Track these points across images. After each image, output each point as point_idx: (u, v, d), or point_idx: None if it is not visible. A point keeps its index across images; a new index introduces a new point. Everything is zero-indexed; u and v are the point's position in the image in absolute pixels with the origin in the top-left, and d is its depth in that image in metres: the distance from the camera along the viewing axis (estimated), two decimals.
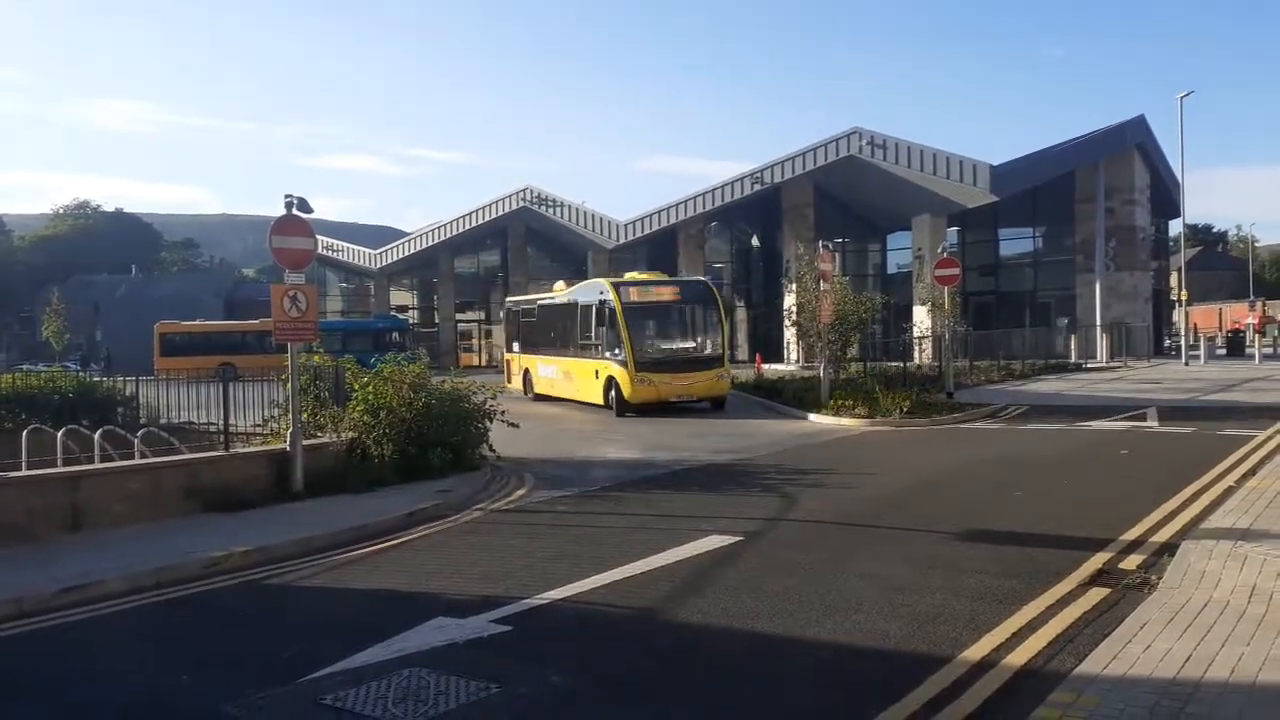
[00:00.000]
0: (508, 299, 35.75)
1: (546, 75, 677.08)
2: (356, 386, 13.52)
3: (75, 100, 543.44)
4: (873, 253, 46.97)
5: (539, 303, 28.99)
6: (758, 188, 41.85)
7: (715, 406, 22.71)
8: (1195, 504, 10.12)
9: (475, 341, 58.35)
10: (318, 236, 13.02)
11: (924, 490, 11.78)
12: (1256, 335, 42.21)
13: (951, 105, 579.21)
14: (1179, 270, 44.26)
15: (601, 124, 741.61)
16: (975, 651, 5.91)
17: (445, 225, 52.93)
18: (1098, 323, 37.92)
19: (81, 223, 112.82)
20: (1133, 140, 39.72)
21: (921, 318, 35.43)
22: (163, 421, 16.76)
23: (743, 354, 42.51)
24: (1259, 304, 53.99)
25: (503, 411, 14.25)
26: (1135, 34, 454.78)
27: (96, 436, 14.13)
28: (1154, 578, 7.28)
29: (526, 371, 28.45)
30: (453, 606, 7.18)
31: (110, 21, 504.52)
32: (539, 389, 27.35)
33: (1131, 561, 7.92)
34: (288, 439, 11.91)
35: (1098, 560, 7.94)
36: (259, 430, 14.18)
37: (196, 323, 50.42)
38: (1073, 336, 37.22)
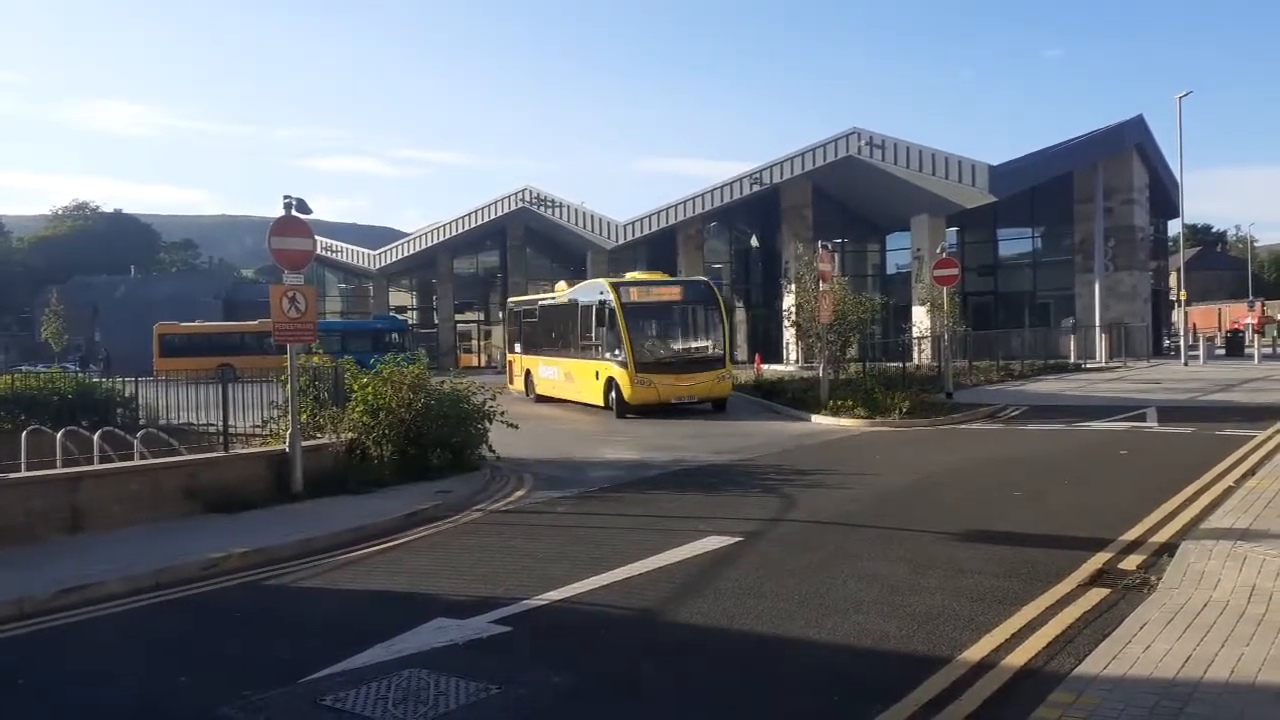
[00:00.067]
0: (509, 299, 35.72)
1: (546, 75, 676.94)
2: (356, 387, 13.52)
3: (74, 102, 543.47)
4: (872, 253, 46.96)
5: (540, 303, 28.89)
6: (757, 188, 41.85)
7: (717, 408, 22.59)
8: (1195, 504, 10.12)
9: (474, 342, 58.33)
10: (317, 237, 13.03)
11: (923, 491, 11.78)
12: (1256, 335, 42.25)
13: (950, 105, 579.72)
14: (1178, 270, 44.25)
15: (601, 124, 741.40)
16: (975, 652, 5.91)
17: (444, 226, 52.93)
18: (1097, 323, 37.92)
19: (80, 224, 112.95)
20: (1131, 140, 39.73)
21: (920, 318, 35.44)
22: (162, 422, 16.79)
23: (742, 354, 42.49)
24: (1258, 304, 53.99)
25: (502, 412, 14.25)
26: (1134, 34, 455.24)
27: (96, 437, 14.15)
28: (1153, 578, 7.29)
29: (528, 373, 28.38)
30: (452, 607, 7.19)
31: (109, 23, 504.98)
32: (540, 390, 27.29)
33: (1131, 562, 7.93)
34: (287, 440, 11.91)
35: (1097, 561, 7.94)
36: (258, 431, 14.18)
37: (195, 324, 50.36)
38: (1072, 337, 37.22)
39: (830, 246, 24.87)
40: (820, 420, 20.18)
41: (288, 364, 12.28)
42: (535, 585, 7.72)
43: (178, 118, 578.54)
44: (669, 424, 20.38)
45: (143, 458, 12.80)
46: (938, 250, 28.69)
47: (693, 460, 15.00)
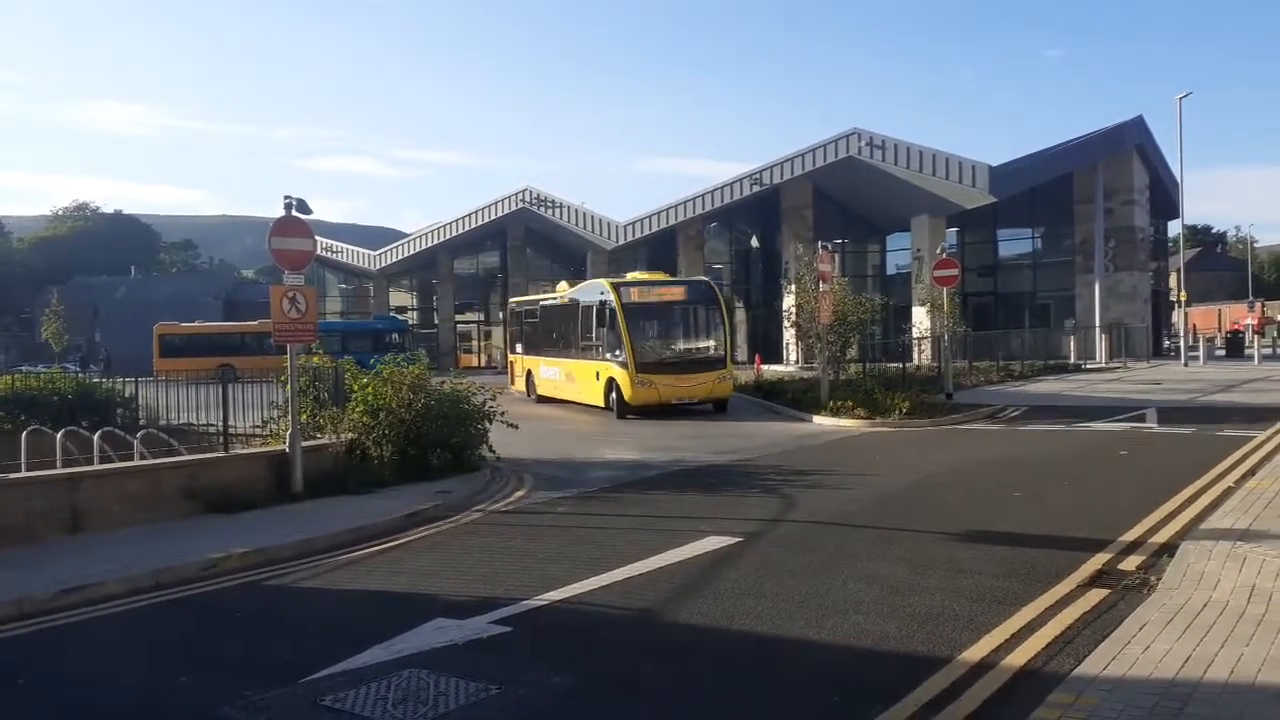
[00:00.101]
0: (510, 300, 35.70)
1: (546, 75, 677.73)
2: (356, 388, 13.52)
3: (74, 102, 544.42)
4: (872, 254, 46.96)
5: (541, 304, 28.85)
6: (757, 188, 41.86)
7: (718, 409, 22.53)
8: (1194, 505, 10.12)
9: (475, 342, 58.33)
10: (317, 238, 13.04)
11: (923, 491, 11.78)
12: (1256, 336, 42.26)
13: (950, 105, 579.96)
14: (1178, 271, 44.23)
15: (601, 124, 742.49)
16: (974, 652, 5.91)
17: (444, 226, 52.94)
18: (1097, 323, 37.92)
19: (80, 224, 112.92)
20: (1131, 141, 39.72)
21: (920, 319, 35.43)
22: (162, 423, 16.81)
23: (742, 355, 42.48)
24: (1258, 305, 54.05)
25: (502, 413, 14.25)
26: (1134, 34, 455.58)
27: (96, 438, 14.16)
28: (1153, 578, 7.29)
29: (529, 373, 28.34)
30: (452, 608, 7.19)
31: (109, 23, 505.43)
32: (541, 391, 27.26)
33: (1131, 562, 7.93)
34: (287, 440, 11.92)
35: (1097, 561, 7.94)
36: (258, 431, 14.18)
37: (195, 324, 50.36)
38: (1072, 337, 37.23)
39: (830, 247, 24.90)
40: (820, 421, 20.18)
41: (288, 364, 12.28)
42: (535, 585, 7.72)
43: (177, 118, 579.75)
44: (669, 424, 20.38)
45: (143, 458, 12.80)
46: (938, 251, 28.68)
47: (693, 460, 15.00)
